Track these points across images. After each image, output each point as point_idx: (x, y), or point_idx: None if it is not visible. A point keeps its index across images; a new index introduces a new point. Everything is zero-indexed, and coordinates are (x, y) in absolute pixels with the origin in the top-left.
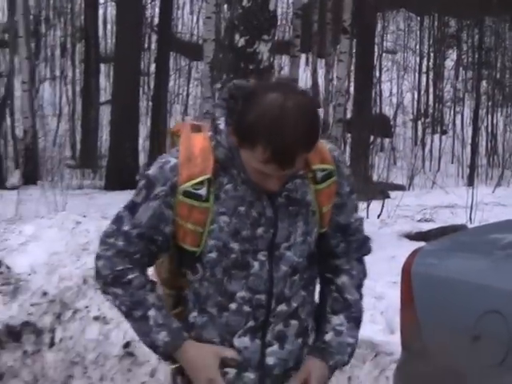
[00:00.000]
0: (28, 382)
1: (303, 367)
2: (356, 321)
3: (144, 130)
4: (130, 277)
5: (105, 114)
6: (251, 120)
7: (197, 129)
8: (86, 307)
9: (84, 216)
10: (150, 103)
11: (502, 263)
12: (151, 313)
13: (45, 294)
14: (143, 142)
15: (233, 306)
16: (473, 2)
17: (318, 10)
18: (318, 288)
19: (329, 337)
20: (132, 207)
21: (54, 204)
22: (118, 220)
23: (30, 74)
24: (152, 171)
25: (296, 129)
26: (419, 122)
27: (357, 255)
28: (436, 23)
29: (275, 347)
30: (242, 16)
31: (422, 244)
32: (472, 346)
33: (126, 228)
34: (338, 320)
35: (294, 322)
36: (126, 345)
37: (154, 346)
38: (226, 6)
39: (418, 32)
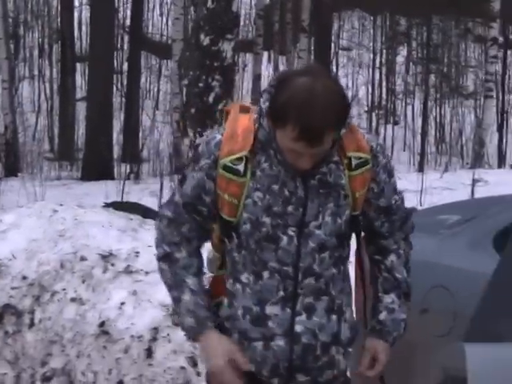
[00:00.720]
0: (9, 361)
1: (367, 349)
2: (406, 296)
3: (118, 124)
4: (177, 256)
5: (81, 110)
6: (282, 101)
7: (245, 110)
8: (64, 289)
9: (61, 205)
10: (123, 99)
11: (447, 242)
12: (185, 297)
13: (24, 277)
14: (117, 136)
15: (266, 274)
16: (421, 2)
17: (278, 10)
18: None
19: (383, 316)
20: (182, 180)
21: (33, 194)
22: (172, 193)
23: (9, 73)
24: (200, 146)
25: (322, 108)
26: (373, 114)
27: (402, 234)
28: (388, 22)
29: (303, 317)
30: (207, 17)
31: None
32: (420, 319)
33: (176, 198)
34: (389, 299)
35: (324, 297)
36: (101, 324)
37: (181, 327)
38: (192, 7)
39: (372, 30)
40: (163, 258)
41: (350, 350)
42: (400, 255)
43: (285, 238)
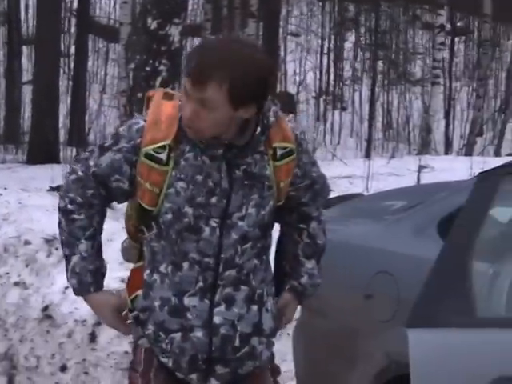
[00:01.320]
0: None
1: (281, 300)
2: (321, 259)
3: (64, 107)
4: (75, 216)
5: (27, 93)
6: (193, 48)
7: (169, 97)
8: (7, 273)
9: (5, 188)
10: (70, 83)
11: (392, 227)
12: (74, 259)
13: None
14: (63, 120)
15: (185, 264)
16: None
17: None
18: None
19: (304, 280)
20: (101, 149)
21: None
22: (90, 152)
23: None
24: (122, 128)
25: (221, 53)
26: (321, 99)
27: (322, 199)
28: (336, 8)
29: (222, 307)
30: (155, 1)
31: None
32: (365, 304)
33: (90, 163)
34: (310, 264)
35: (243, 288)
36: (45, 308)
37: (68, 282)
38: None
39: (320, 16)
40: (63, 211)
41: (273, 340)
42: (321, 221)
43: (207, 229)
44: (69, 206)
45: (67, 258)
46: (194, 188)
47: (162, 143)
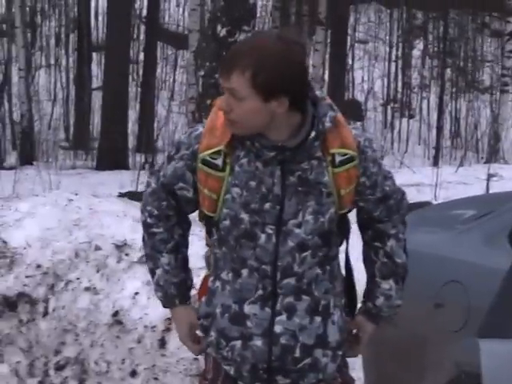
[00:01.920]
0: (23, 349)
1: (355, 323)
2: (403, 280)
3: (133, 114)
4: (155, 230)
5: (97, 99)
6: None
7: None
8: (78, 279)
9: (76, 194)
10: (139, 89)
11: (462, 237)
12: (158, 271)
13: (39, 266)
14: (132, 126)
15: (245, 272)
16: None
17: (295, 2)
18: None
19: (380, 302)
20: (168, 159)
21: (48, 183)
22: (162, 164)
23: (26, 62)
24: (183, 135)
25: (246, 44)
26: (388, 107)
27: (400, 217)
28: (404, 15)
29: (283, 317)
30: (224, 8)
31: None
32: (435, 314)
33: (161, 174)
34: (387, 285)
35: (305, 298)
36: (115, 314)
37: (156, 295)
38: None
39: (388, 23)
40: (143, 225)
41: (340, 353)
42: (400, 239)
43: (263, 236)
44: (148, 220)
45: (152, 272)
46: (248, 194)
47: (217, 148)
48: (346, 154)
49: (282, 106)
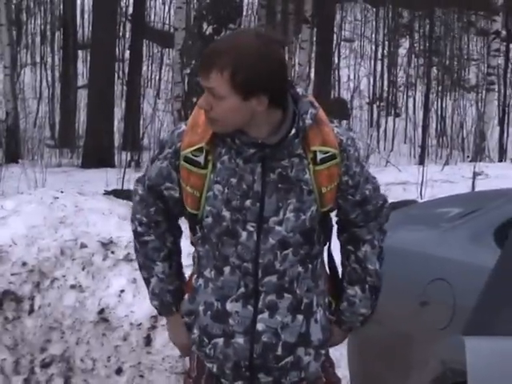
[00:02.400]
0: (9, 346)
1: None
2: (374, 289)
3: (119, 112)
4: (146, 238)
5: (82, 97)
6: None
7: None
8: (63, 276)
9: (62, 192)
10: (125, 87)
11: (448, 235)
12: (153, 280)
13: (24, 264)
14: (118, 124)
15: (227, 269)
16: None
17: (281, 1)
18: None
19: (343, 306)
20: (151, 161)
21: (33, 181)
22: (146, 169)
23: (11, 60)
24: (166, 134)
25: (224, 42)
26: (374, 106)
27: (377, 224)
28: (390, 14)
29: (265, 315)
30: (210, 6)
31: None
32: (420, 312)
33: (145, 177)
34: (352, 291)
35: (287, 296)
36: (101, 311)
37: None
38: None
39: (374, 22)
40: (135, 234)
41: (323, 352)
42: (374, 246)
43: (244, 234)
44: (138, 229)
45: (146, 281)
46: (229, 191)
47: (198, 146)
48: (327, 152)
49: (262, 104)
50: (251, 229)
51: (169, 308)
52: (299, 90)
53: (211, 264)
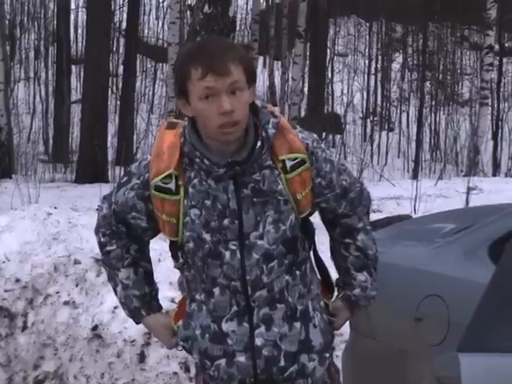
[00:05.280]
0: (1, 364)
1: (332, 307)
2: (375, 271)
3: (112, 127)
4: (108, 248)
5: (76, 113)
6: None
7: (172, 126)
8: (57, 293)
9: (55, 208)
10: (118, 102)
11: (442, 250)
12: (118, 289)
13: (18, 280)
14: (111, 139)
15: (216, 290)
16: (417, 9)
17: (274, 16)
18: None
19: (357, 292)
20: (118, 186)
21: (27, 196)
22: (112, 190)
23: (5, 75)
24: (134, 165)
25: (216, 42)
26: (368, 120)
27: (364, 208)
28: (383, 28)
29: (262, 329)
30: (204, 21)
31: None
32: (415, 328)
33: (112, 199)
34: (362, 277)
35: (280, 306)
36: (94, 328)
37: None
38: (188, 12)
39: (367, 36)
40: (99, 245)
41: (327, 355)
42: (367, 231)
43: (227, 253)
44: (102, 239)
45: (115, 292)
46: (206, 213)
47: (167, 172)
48: (295, 159)
49: (253, 94)
50: (233, 247)
51: (137, 313)
52: (258, 103)
53: (200, 287)
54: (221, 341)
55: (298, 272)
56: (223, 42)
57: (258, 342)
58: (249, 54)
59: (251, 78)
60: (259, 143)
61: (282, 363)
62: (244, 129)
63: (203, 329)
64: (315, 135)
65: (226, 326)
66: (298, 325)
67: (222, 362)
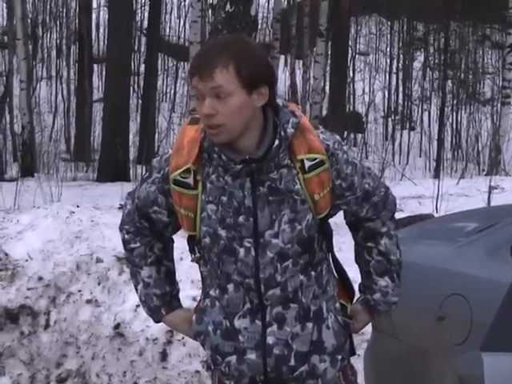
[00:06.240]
0: (24, 362)
1: (351, 310)
2: (399, 277)
3: (134, 126)
4: (132, 246)
5: (97, 111)
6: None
7: (194, 121)
8: (79, 291)
9: (77, 206)
10: (140, 101)
11: (464, 249)
12: (139, 287)
13: (40, 278)
14: (133, 138)
15: (230, 287)
16: (439, 8)
17: (295, 14)
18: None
19: (377, 297)
20: (141, 181)
21: (49, 195)
22: (136, 186)
23: (27, 74)
24: (155, 159)
25: (216, 45)
26: (389, 119)
27: (388, 213)
28: (405, 27)
29: (274, 327)
30: (225, 20)
31: None
32: (437, 327)
33: (135, 194)
34: (383, 282)
35: (293, 306)
36: (117, 326)
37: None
38: (210, 10)
39: (389, 35)
40: (123, 243)
41: (339, 357)
42: (391, 236)
43: (242, 250)
44: (126, 237)
45: (136, 290)
46: (222, 209)
47: (185, 167)
48: (314, 159)
49: (263, 97)
50: (248, 245)
51: (157, 312)
52: (279, 101)
53: (215, 283)
54: (232, 337)
55: (313, 272)
56: (223, 42)
57: (270, 340)
58: (257, 57)
59: (249, 83)
60: (276, 142)
61: (292, 363)
62: (240, 131)
63: (215, 325)
64: (338, 137)
65: (239, 323)
66: (310, 325)
67: (233, 358)
